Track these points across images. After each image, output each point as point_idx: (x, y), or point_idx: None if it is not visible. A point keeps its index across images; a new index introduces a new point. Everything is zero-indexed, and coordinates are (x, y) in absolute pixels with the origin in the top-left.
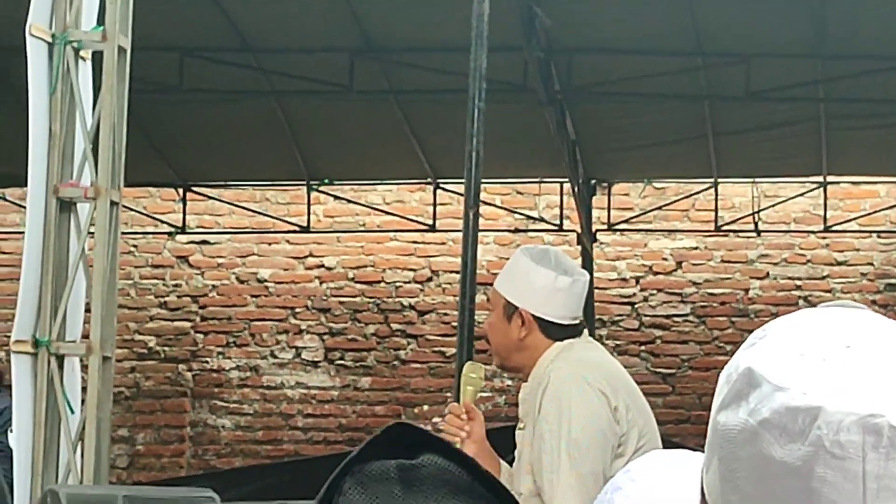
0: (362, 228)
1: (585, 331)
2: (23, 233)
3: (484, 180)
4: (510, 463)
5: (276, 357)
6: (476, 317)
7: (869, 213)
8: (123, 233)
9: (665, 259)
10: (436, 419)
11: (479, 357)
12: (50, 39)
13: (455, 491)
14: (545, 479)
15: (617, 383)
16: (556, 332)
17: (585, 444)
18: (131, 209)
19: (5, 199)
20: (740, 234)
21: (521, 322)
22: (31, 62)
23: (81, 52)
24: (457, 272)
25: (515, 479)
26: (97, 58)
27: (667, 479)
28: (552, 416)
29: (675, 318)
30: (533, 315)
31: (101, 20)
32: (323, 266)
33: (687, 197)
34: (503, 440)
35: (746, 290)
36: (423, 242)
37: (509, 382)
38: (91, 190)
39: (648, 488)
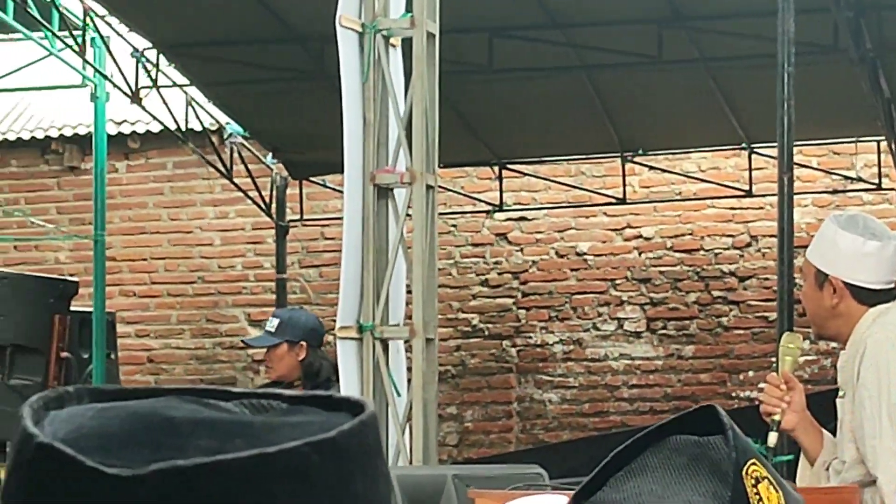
0: (678, 197)
1: None
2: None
3: (798, 142)
4: (832, 432)
5: (598, 329)
6: (797, 281)
7: None
8: (442, 213)
9: None
10: (761, 384)
11: (800, 321)
12: (360, 29)
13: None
14: (867, 445)
15: None
16: (869, 297)
17: None
18: (448, 189)
19: (326, 186)
20: None
21: (832, 290)
22: (343, 52)
23: (391, 40)
24: (775, 236)
25: (839, 447)
26: (407, 44)
27: None
28: (871, 382)
29: None
30: (844, 282)
31: (409, 7)
32: (641, 237)
33: None
34: (825, 404)
35: None
36: (741, 208)
37: (834, 345)
38: (407, 175)
39: None
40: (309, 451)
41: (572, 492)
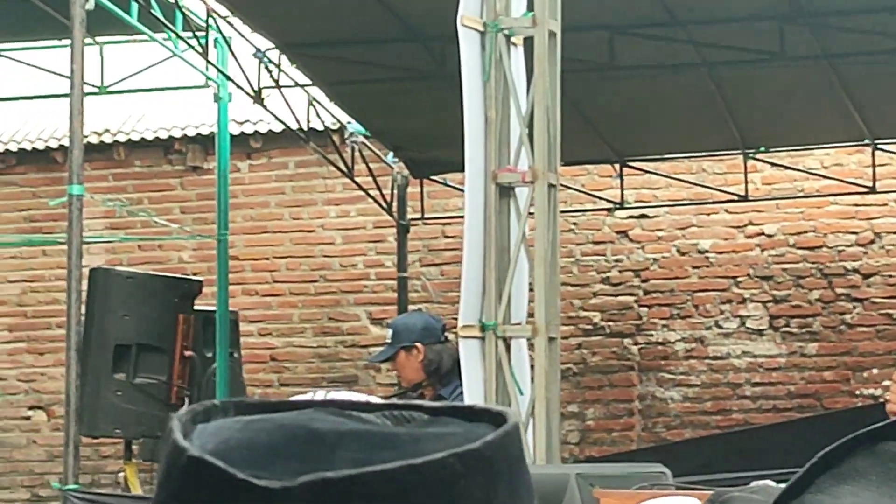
0: (801, 194)
1: None
2: (464, 217)
3: None
4: None
5: (720, 327)
6: None
7: None
8: (563, 211)
9: None
10: (886, 382)
11: None
12: (481, 28)
13: None
14: None
15: None
16: None
17: None
18: (569, 188)
19: (447, 185)
20: None
21: None
22: (464, 51)
23: (513, 39)
24: None
25: None
26: (528, 42)
27: None
28: None
29: None
30: None
31: (530, 6)
32: (763, 234)
33: None
34: None
35: None
36: (864, 205)
37: None
38: (529, 174)
39: None
40: (454, 462)
41: (697, 491)
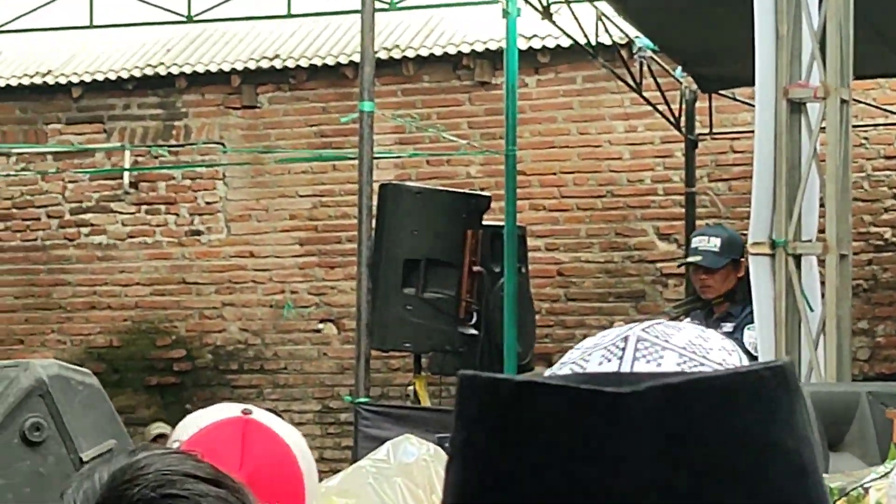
0: None
1: None
2: (753, 132)
3: None
4: None
5: None
6: None
7: None
8: (854, 126)
9: None
10: None
11: None
12: None
13: None
14: None
15: None
16: None
17: None
18: (861, 102)
19: (735, 99)
20: None
21: None
22: None
23: None
24: None
25: None
26: None
27: None
28: None
29: None
30: None
31: None
32: None
33: None
34: None
35: None
36: None
37: None
38: (820, 90)
39: None
40: (769, 376)
41: None
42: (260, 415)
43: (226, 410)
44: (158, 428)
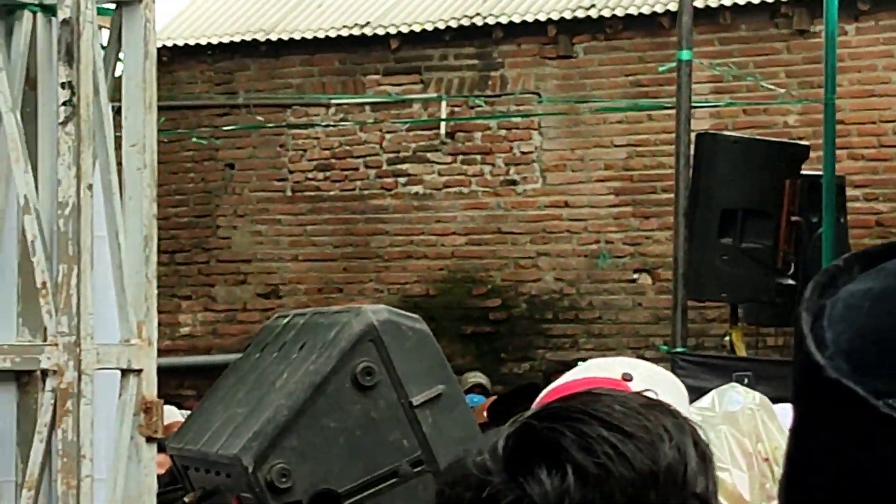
0: None
1: None
2: None
3: None
4: None
5: None
6: None
7: None
8: None
9: None
10: None
11: None
12: None
13: None
14: None
15: None
16: None
17: None
18: None
19: None
20: None
21: None
22: None
23: None
24: None
25: None
26: None
27: None
28: None
29: None
30: None
31: None
32: None
33: None
34: None
35: None
36: None
37: None
38: None
39: None
40: None
41: None
42: (638, 384)
43: (605, 369)
44: (475, 377)
